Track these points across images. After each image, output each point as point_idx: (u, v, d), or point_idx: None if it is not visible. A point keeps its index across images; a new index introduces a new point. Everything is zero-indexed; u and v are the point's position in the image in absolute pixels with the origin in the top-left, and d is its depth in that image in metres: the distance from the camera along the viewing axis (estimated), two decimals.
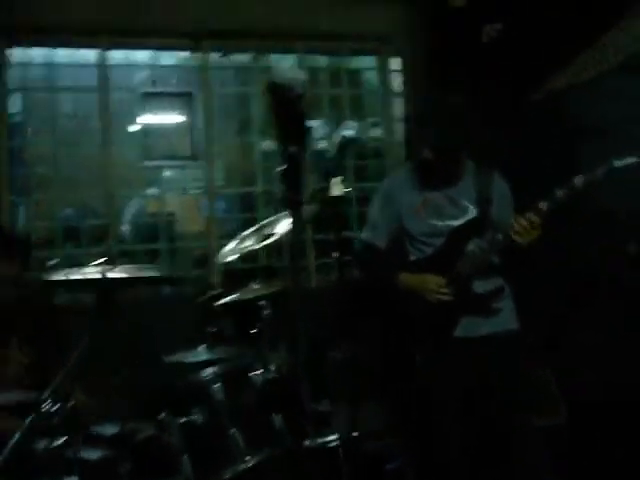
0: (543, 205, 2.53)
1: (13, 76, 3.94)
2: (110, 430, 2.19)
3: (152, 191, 4.44)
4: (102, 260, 2.23)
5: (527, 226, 2.53)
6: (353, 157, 4.51)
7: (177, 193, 4.47)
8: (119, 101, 4.13)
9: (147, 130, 4.25)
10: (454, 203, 2.80)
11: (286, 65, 4.50)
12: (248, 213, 4.41)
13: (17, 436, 1.59)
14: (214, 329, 2.92)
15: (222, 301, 2.63)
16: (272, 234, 3.06)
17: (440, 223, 2.80)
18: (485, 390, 2.74)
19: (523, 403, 2.79)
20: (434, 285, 2.74)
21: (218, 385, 2.34)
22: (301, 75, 1.62)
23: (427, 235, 2.83)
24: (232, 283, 3.01)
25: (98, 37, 4.01)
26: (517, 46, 3.76)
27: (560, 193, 2.51)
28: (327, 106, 4.59)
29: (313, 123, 4.54)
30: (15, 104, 4.05)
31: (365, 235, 2.99)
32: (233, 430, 2.30)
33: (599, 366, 3.34)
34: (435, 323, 2.80)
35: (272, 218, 3.35)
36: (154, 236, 4.16)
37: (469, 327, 2.75)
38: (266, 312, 2.72)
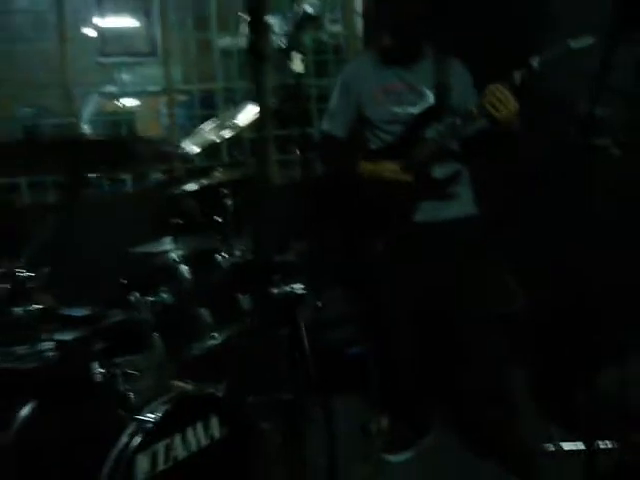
0: (517, 75, 2.49)
1: None
2: (81, 312, 2.25)
3: (110, 89, 4.39)
4: None
5: (500, 96, 2.50)
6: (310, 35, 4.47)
7: (135, 91, 4.40)
8: None
9: (103, 26, 4.16)
10: (413, 90, 2.84)
11: None
12: (208, 110, 4.39)
13: None
14: (178, 220, 2.95)
15: (185, 188, 2.65)
16: (233, 125, 3.07)
17: (399, 110, 2.85)
18: (445, 273, 2.83)
19: (481, 290, 2.91)
20: (391, 170, 2.81)
21: (185, 266, 2.41)
22: None
23: (386, 122, 2.88)
24: (194, 175, 3.02)
25: None
26: None
27: (532, 64, 2.46)
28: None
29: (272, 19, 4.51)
30: None
31: (325, 125, 3.04)
32: (201, 309, 2.38)
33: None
34: (395, 209, 2.88)
35: (232, 110, 3.37)
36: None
37: (429, 211, 2.84)
38: (230, 200, 2.76)
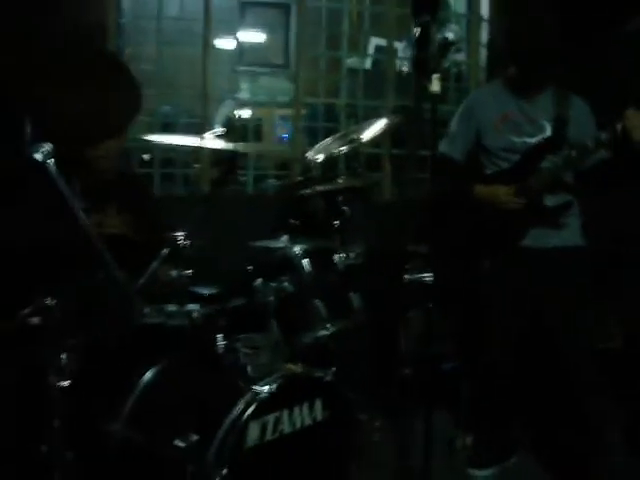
0: None
1: None
2: (208, 291, 2.50)
3: (244, 96, 4.70)
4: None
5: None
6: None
7: (265, 100, 4.68)
8: (220, 7, 4.34)
9: (243, 37, 4.46)
10: (532, 121, 2.96)
11: None
12: (331, 123, 4.62)
13: (154, 264, 1.92)
14: (297, 221, 3.18)
15: (311, 191, 2.86)
16: (357, 139, 3.26)
17: (517, 139, 2.96)
18: (549, 300, 2.94)
19: (585, 320, 2.99)
20: (504, 194, 2.93)
21: (306, 260, 2.62)
22: None
23: (503, 150, 3.00)
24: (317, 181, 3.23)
25: None
26: None
27: None
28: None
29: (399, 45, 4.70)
30: (125, 5, 4.31)
31: (443, 148, 3.17)
32: (317, 301, 2.59)
33: None
34: (504, 232, 3.00)
35: (357, 126, 3.57)
36: (243, 138, 4.42)
37: (538, 238, 2.94)
38: (347, 206, 2.96)
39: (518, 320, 2.96)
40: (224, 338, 2.31)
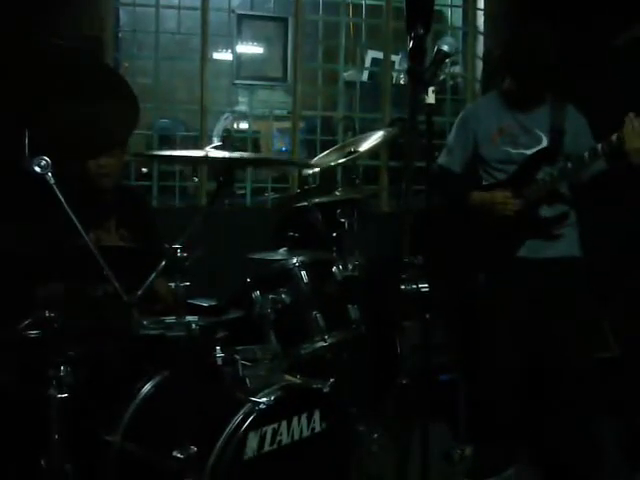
0: None
1: None
2: (206, 303, 2.52)
3: (241, 109, 4.72)
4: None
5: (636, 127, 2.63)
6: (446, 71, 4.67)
7: (263, 113, 4.70)
8: (217, 21, 4.37)
9: (241, 50, 4.49)
10: (528, 132, 2.98)
11: None
12: (329, 136, 4.65)
13: (152, 275, 1.94)
14: (295, 233, 3.19)
15: (309, 203, 2.88)
16: (355, 151, 3.28)
17: (514, 151, 2.99)
18: (546, 310, 2.94)
19: (582, 331, 3.00)
20: (501, 198, 2.94)
21: (304, 272, 2.63)
22: None
23: (500, 162, 3.03)
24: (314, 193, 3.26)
25: None
26: None
27: None
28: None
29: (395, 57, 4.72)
30: (122, 18, 4.34)
31: (442, 160, 3.20)
32: (315, 312, 2.60)
33: None
34: (500, 243, 3.01)
35: (354, 138, 3.60)
36: (242, 151, 4.44)
37: (533, 248, 2.96)
38: (345, 218, 2.98)
39: (515, 331, 2.97)
40: (223, 350, 2.31)
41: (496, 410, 3.03)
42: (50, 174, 1.84)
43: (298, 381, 2.42)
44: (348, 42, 4.74)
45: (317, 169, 3.21)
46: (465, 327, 3.33)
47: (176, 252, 1.89)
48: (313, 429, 2.34)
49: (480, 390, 3.13)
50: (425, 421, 2.07)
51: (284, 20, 4.46)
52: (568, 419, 2.91)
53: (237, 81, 4.47)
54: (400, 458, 2.50)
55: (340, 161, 3.23)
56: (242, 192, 4.50)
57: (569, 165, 2.85)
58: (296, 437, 2.29)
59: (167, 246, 1.92)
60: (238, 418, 2.14)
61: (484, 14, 4.80)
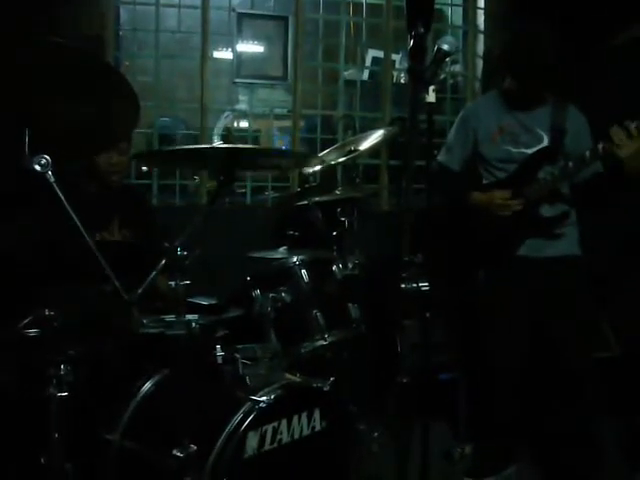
0: None
1: None
2: (206, 301, 2.52)
3: (241, 107, 4.72)
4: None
5: (627, 134, 2.64)
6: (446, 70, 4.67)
7: (264, 112, 4.70)
8: (217, 20, 4.37)
9: (241, 49, 4.49)
10: (529, 131, 2.97)
11: None
12: (329, 135, 4.65)
13: (153, 274, 1.94)
14: (295, 232, 3.20)
15: (309, 202, 2.89)
16: (355, 150, 3.28)
17: (514, 150, 2.98)
18: (546, 310, 2.94)
19: (583, 330, 2.99)
20: (500, 199, 2.94)
21: (304, 270, 2.64)
22: None
23: (501, 161, 3.02)
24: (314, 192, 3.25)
25: None
26: None
27: None
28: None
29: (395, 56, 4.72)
30: (123, 17, 4.34)
31: (441, 158, 3.19)
32: (315, 311, 2.60)
33: None
34: (500, 242, 3.01)
35: (355, 136, 3.60)
36: None
37: (534, 247, 2.96)
38: (345, 217, 2.98)
39: (515, 330, 2.96)
40: (223, 348, 2.31)
41: (496, 409, 3.02)
42: (50, 172, 1.84)
43: (298, 380, 2.42)
44: (348, 41, 4.74)
45: (317, 168, 3.20)
46: (465, 326, 3.33)
47: (176, 251, 1.88)
48: (313, 428, 2.34)
49: (480, 389, 3.13)
50: (425, 420, 2.07)
51: (284, 19, 4.46)
52: (568, 419, 2.90)
53: (237, 80, 4.47)
54: (400, 457, 2.50)
55: (340, 160, 3.22)
56: (242, 191, 4.50)
57: (570, 165, 2.85)
58: (296, 436, 2.29)
59: (167, 245, 1.92)
60: (238, 417, 2.14)
61: (484, 13, 4.81)
